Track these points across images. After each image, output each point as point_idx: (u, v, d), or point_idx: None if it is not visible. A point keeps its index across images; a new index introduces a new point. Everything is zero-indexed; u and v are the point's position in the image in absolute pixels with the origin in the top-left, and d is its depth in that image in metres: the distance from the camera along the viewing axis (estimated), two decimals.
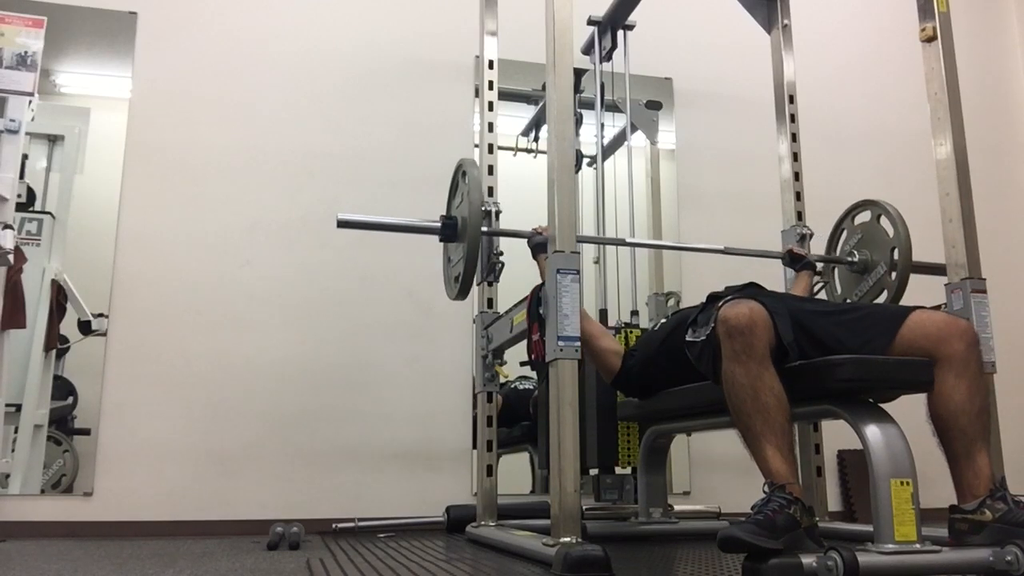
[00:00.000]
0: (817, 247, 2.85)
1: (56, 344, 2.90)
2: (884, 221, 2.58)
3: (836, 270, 2.80)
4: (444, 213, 2.47)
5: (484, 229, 2.39)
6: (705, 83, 3.73)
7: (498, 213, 2.65)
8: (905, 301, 2.33)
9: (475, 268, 2.31)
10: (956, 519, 1.66)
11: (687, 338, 1.92)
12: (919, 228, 2.77)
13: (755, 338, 1.65)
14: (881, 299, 2.58)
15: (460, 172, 2.44)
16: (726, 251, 2.67)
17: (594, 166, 3.21)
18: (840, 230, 2.75)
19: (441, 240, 2.46)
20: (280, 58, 3.31)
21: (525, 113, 3.47)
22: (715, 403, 1.82)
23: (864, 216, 2.66)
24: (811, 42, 3.44)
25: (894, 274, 2.54)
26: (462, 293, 2.36)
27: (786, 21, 3.04)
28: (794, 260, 2.67)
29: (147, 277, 3.02)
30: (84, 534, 2.74)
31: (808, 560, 1.44)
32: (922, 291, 2.42)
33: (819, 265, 2.74)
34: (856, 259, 2.67)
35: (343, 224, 2.34)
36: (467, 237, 2.27)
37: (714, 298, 1.96)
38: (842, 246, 2.74)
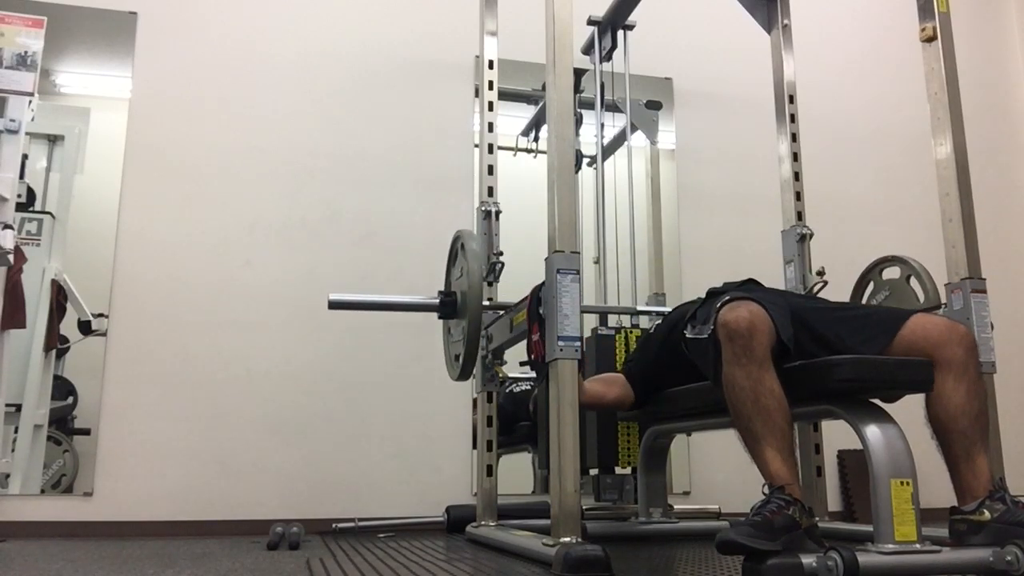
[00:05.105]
0: (817, 248, 2.84)
1: (56, 344, 2.90)
2: (914, 282, 2.45)
3: None
4: (442, 289, 2.41)
5: (486, 303, 2.32)
6: (705, 83, 3.73)
7: (498, 213, 2.65)
8: None
9: (477, 348, 2.23)
10: (956, 520, 1.66)
11: (687, 334, 1.92)
12: (919, 228, 2.77)
13: (755, 341, 1.65)
14: None
15: (459, 244, 2.35)
16: None
17: (594, 166, 3.21)
18: (867, 281, 2.62)
19: (440, 318, 2.40)
20: (280, 58, 3.31)
21: (525, 113, 3.47)
22: (715, 403, 1.82)
23: (893, 272, 2.53)
24: (811, 42, 3.44)
25: None
26: (464, 374, 2.28)
27: (786, 21, 3.03)
28: None
29: (147, 277, 3.02)
30: (84, 534, 2.74)
31: (808, 560, 1.44)
32: None
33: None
34: None
35: (334, 305, 2.28)
36: (468, 314, 2.18)
37: (713, 294, 1.96)
38: (868, 299, 2.63)
